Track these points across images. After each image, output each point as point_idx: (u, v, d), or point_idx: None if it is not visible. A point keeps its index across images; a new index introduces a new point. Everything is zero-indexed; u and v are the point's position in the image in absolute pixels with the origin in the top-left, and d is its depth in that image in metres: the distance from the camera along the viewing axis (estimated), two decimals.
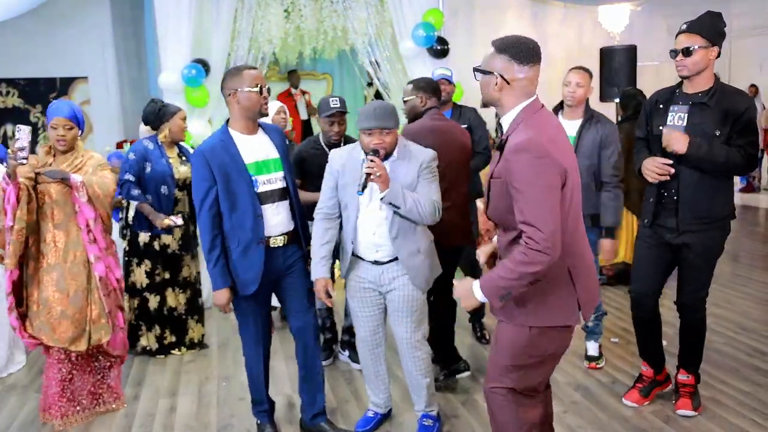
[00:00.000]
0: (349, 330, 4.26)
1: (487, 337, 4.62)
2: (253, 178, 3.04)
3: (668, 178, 3.23)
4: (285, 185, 3.15)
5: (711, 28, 3.12)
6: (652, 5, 9.19)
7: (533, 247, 2.11)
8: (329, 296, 3.13)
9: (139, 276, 4.47)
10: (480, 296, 2.27)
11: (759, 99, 10.14)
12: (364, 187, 2.88)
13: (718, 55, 3.17)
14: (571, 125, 3.84)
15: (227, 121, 3.12)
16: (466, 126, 4.24)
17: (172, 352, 4.60)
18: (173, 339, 4.61)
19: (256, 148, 3.09)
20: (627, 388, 3.70)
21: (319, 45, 7.01)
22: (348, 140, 3.91)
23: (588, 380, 3.95)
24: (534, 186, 2.12)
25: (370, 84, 9.16)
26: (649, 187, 3.38)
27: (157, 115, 4.37)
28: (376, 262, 3.12)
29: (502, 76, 2.22)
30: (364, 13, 6.64)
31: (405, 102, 3.84)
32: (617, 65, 6.34)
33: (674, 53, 3.18)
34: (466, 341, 4.62)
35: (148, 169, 4.26)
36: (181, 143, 4.53)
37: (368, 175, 2.85)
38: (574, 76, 3.84)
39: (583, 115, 3.86)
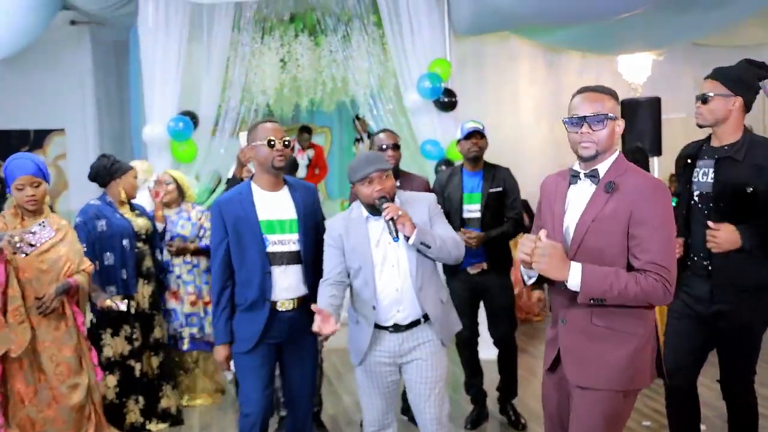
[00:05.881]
0: None
1: (523, 421, 4.11)
2: (264, 236, 3.02)
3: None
4: (299, 248, 3.07)
5: (736, 76, 2.94)
6: (675, 55, 8.88)
7: (669, 288, 2.15)
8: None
9: (119, 345, 4.16)
10: (574, 279, 2.15)
11: None
12: (397, 231, 2.76)
13: (748, 108, 2.96)
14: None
15: (252, 175, 3.17)
16: (500, 189, 3.96)
17: (148, 428, 4.26)
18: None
19: (274, 206, 3.09)
20: None
21: (317, 96, 6.82)
22: None
23: None
24: (669, 228, 2.21)
25: (359, 140, 8.77)
26: None
27: (108, 171, 4.27)
28: (396, 328, 2.91)
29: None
30: (365, 63, 6.45)
31: None
32: (640, 118, 6.01)
33: (696, 100, 3.03)
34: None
35: (104, 227, 4.12)
36: (131, 200, 4.45)
37: (392, 219, 2.74)
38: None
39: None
